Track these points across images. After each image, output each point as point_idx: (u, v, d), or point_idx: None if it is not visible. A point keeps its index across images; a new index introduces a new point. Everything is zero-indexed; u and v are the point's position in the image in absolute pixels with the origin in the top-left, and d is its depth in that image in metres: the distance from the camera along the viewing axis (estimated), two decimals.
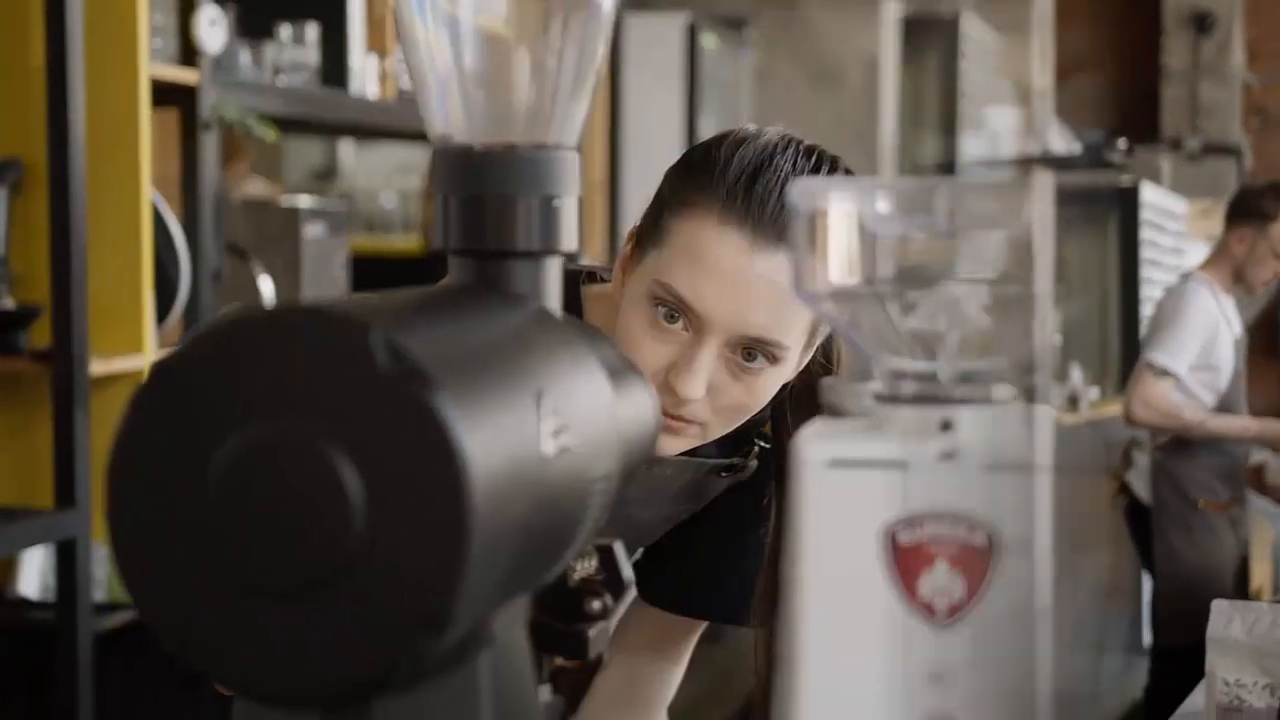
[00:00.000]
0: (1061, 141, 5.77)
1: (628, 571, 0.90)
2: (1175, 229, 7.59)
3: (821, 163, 1.28)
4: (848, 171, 1.30)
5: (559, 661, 0.90)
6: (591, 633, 0.88)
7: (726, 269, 1.22)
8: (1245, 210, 4.41)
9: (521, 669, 0.73)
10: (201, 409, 0.63)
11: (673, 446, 1.29)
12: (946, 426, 0.70)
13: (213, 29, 2.60)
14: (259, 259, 3.06)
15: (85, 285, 2.37)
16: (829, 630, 0.70)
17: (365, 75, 3.19)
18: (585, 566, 0.89)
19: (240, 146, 4.10)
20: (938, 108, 7.32)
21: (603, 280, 1.43)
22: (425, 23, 0.83)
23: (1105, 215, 6.89)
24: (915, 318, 0.73)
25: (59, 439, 2.32)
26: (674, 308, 1.24)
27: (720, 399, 1.26)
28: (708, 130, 5.98)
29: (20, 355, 2.38)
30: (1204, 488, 4.42)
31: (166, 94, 2.62)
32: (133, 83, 2.46)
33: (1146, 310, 7.11)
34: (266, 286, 2.92)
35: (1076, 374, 6.26)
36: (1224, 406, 4.38)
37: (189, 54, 2.64)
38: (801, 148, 1.28)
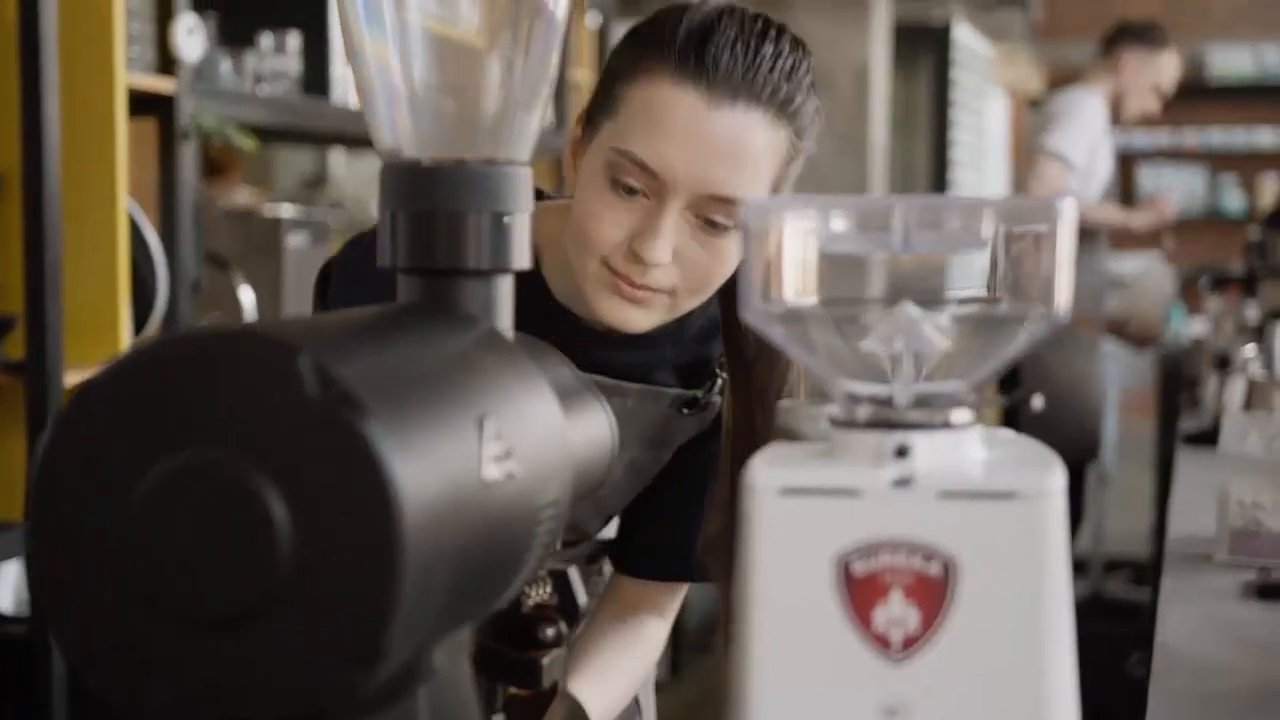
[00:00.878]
0: None
1: (582, 597, 0.88)
2: (981, 72, 7.72)
3: (769, 26, 1.27)
4: (797, 42, 1.28)
5: (512, 690, 0.88)
6: (545, 660, 0.86)
7: (684, 127, 1.22)
8: (1139, 35, 4.53)
9: (465, 701, 0.71)
10: (127, 433, 0.61)
11: (641, 320, 1.28)
12: (902, 452, 0.68)
13: (191, 38, 2.58)
14: (241, 269, 3.04)
15: (60, 296, 2.34)
16: (781, 662, 0.67)
17: (348, 84, 3.17)
18: (539, 592, 0.87)
19: (231, 157, 4.08)
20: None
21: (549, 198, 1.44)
22: (373, 35, 0.81)
23: (916, 53, 6.99)
24: (871, 339, 0.70)
25: (32, 451, 2.29)
26: (633, 175, 1.23)
27: (686, 265, 1.25)
28: None
29: None
30: (1077, 303, 4.46)
31: (144, 103, 2.59)
32: (109, 91, 2.43)
33: (956, 153, 7.25)
34: (247, 297, 2.89)
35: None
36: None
37: (167, 63, 2.62)
38: (748, 12, 1.28)
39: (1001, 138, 9.16)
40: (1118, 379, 5.92)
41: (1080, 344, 4.41)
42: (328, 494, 0.59)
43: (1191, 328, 7.49)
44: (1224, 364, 3.25)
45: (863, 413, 0.70)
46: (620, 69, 1.27)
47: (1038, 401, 0.91)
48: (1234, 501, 1.91)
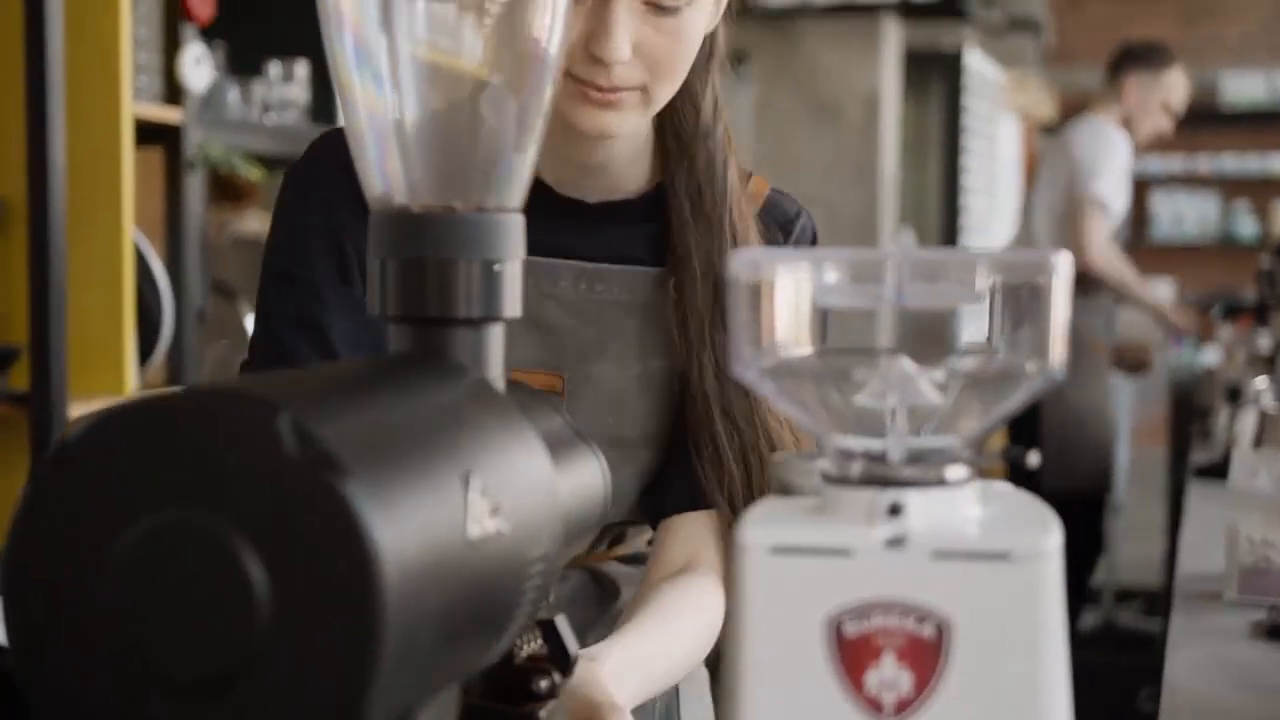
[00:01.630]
0: None
1: (573, 646, 0.86)
2: (992, 98, 7.74)
3: None
4: None
5: None
6: (542, 713, 0.85)
7: None
8: (1141, 58, 4.52)
9: None
10: (105, 491, 0.60)
11: (620, 123, 1.25)
12: (895, 510, 0.66)
13: (198, 68, 2.58)
14: (248, 297, 3.03)
15: (65, 326, 2.34)
16: None
17: None
18: (530, 644, 0.86)
19: (246, 183, 4.08)
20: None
21: None
22: (362, 79, 0.80)
23: (927, 79, 7.00)
24: (865, 394, 0.69)
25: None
26: None
27: (647, 54, 1.22)
28: None
29: None
30: (1092, 329, 4.43)
31: (151, 133, 2.59)
32: (115, 121, 2.43)
33: (967, 180, 7.27)
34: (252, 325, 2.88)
35: (909, 239, 6.27)
36: None
37: (174, 93, 2.62)
38: None
39: (1013, 162, 9.15)
40: (1129, 406, 5.90)
41: (1097, 371, 4.39)
42: (307, 556, 0.58)
43: (1205, 356, 7.49)
44: (1235, 396, 3.23)
45: (856, 469, 0.68)
46: None
47: (1033, 458, 0.89)
48: (1243, 538, 1.90)
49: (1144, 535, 5.94)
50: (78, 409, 2.38)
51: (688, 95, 1.32)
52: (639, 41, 1.21)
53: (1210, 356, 6.92)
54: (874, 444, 0.69)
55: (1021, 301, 0.67)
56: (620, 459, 1.32)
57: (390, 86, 0.80)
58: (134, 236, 2.49)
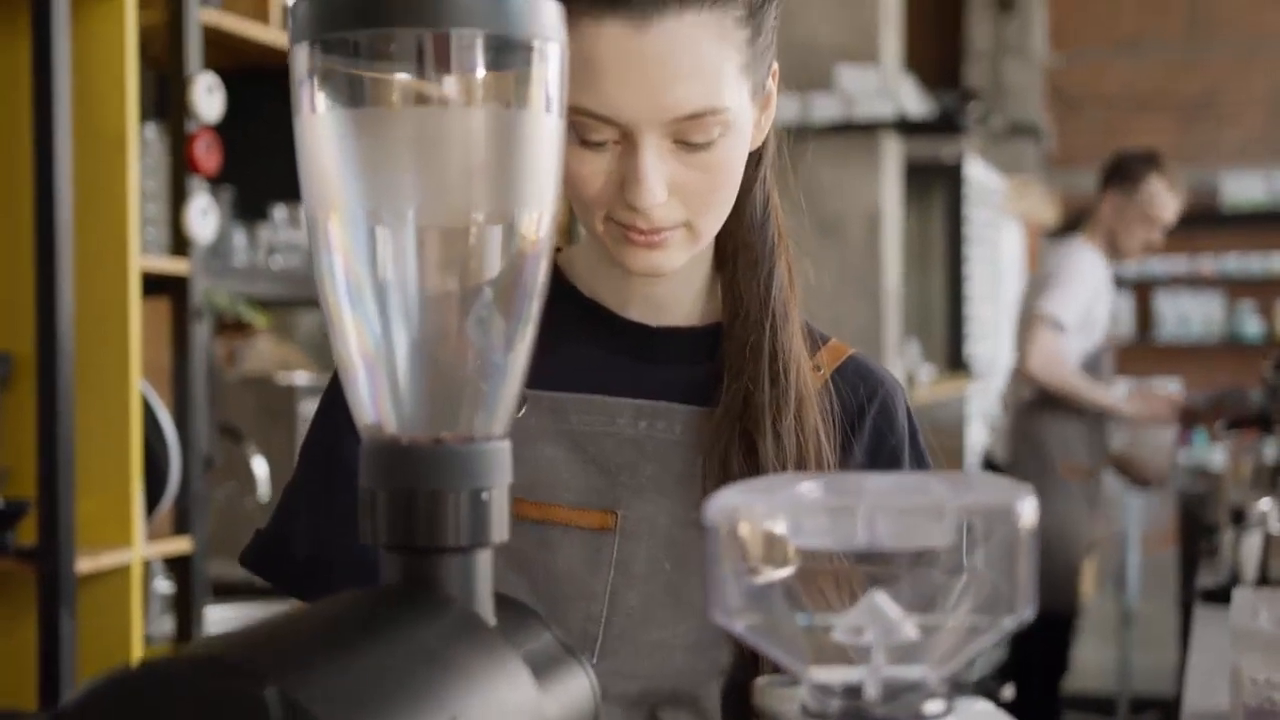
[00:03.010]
0: (915, 103, 5.77)
1: None
2: (994, 205, 7.78)
3: None
4: None
5: None
6: None
7: (617, 61, 1.13)
8: (1114, 174, 4.58)
9: None
10: None
11: (668, 261, 1.20)
12: None
13: (204, 219, 2.62)
14: (256, 437, 3.06)
15: (73, 481, 2.36)
16: None
17: None
18: None
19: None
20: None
21: None
22: (354, 313, 0.83)
23: (929, 189, 7.04)
24: (840, 630, 0.71)
25: (44, 640, 2.30)
26: (593, 129, 1.15)
27: (687, 193, 1.17)
28: None
29: (7, 554, 2.36)
30: (1064, 450, 4.40)
31: (158, 283, 2.63)
32: (123, 275, 2.47)
33: (970, 288, 7.27)
34: (261, 469, 2.91)
35: (914, 349, 6.24)
36: (1089, 367, 4.47)
37: (181, 243, 2.66)
38: None
39: (1017, 267, 9.22)
40: (1138, 514, 5.90)
41: (1063, 493, 4.39)
42: None
43: (1213, 455, 7.47)
44: (1240, 518, 3.23)
45: (833, 706, 0.70)
46: None
47: (1008, 692, 0.91)
48: (1247, 679, 1.89)
49: (1160, 643, 5.91)
50: (86, 563, 2.39)
51: (738, 217, 1.27)
52: (674, 181, 1.17)
53: (1219, 457, 6.93)
54: (852, 673, 0.71)
55: (991, 542, 0.69)
56: (675, 616, 1.24)
57: (379, 321, 0.82)
58: (141, 387, 2.52)
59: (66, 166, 2.37)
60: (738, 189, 1.22)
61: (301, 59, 0.79)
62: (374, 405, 0.83)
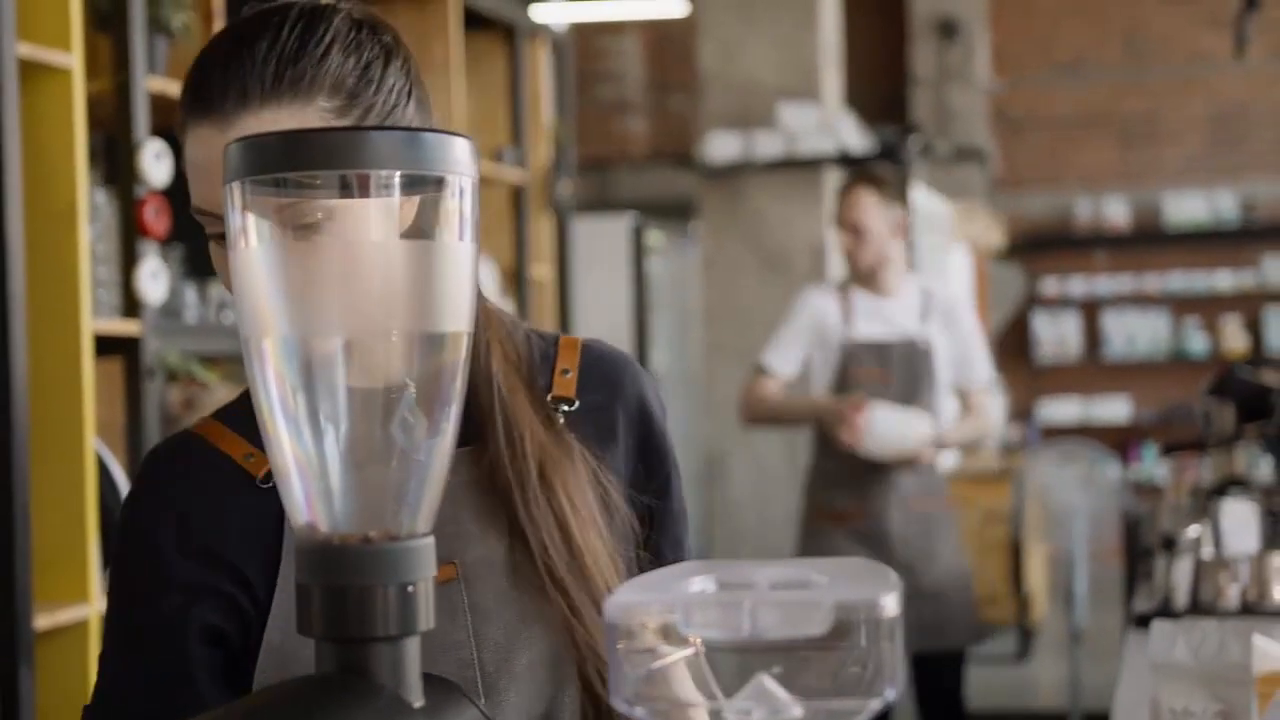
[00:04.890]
0: (856, 138, 5.80)
1: None
2: (941, 230, 7.90)
3: (267, 19, 1.22)
4: (303, 12, 1.22)
5: None
6: None
7: (210, 160, 1.18)
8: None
9: None
10: None
11: None
12: None
13: (154, 281, 2.69)
14: None
15: (29, 539, 2.42)
16: None
17: None
18: None
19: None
20: None
21: None
22: (288, 429, 0.90)
23: None
24: (730, 712, 0.79)
25: (3, 697, 2.35)
26: (212, 224, 1.20)
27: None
28: (658, 323, 6.15)
29: None
30: (822, 498, 4.17)
31: (110, 344, 2.70)
32: (75, 337, 2.53)
33: None
34: None
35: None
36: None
37: (132, 304, 2.72)
38: (246, 19, 1.23)
39: (966, 290, 9.34)
40: (1083, 529, 6.00)
41: (939, 531, 4.23)
42: None
43: (1158, 471, 7.59)
44: (1170, 544, 3.33)
45: None
46: (177, 132, 1.25)
47: None
48: (1166, 710, 1.97)
49: (1112, 657, 6.01)
50: (43, 620, 2.45)
51: None
52: None
53: (1163, 472, 7.05)
54: None
55: (860, 631, 0.77)
56: (534, 634, 1.30)
57: (310, 430, 0.90)
58: (95, 446, 2.58)
59: (18, 233, 2.43)
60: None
61: (235, 197, 0.87)
62: (307, 507, 0.90)
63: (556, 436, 1.31)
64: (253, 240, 0.88)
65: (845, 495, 4.14)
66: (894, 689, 0.77)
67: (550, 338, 1.38)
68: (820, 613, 0.77)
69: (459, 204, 0.89)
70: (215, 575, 1.26)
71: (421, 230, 0.89)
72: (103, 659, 1.30)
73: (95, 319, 2.60)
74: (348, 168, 0.86)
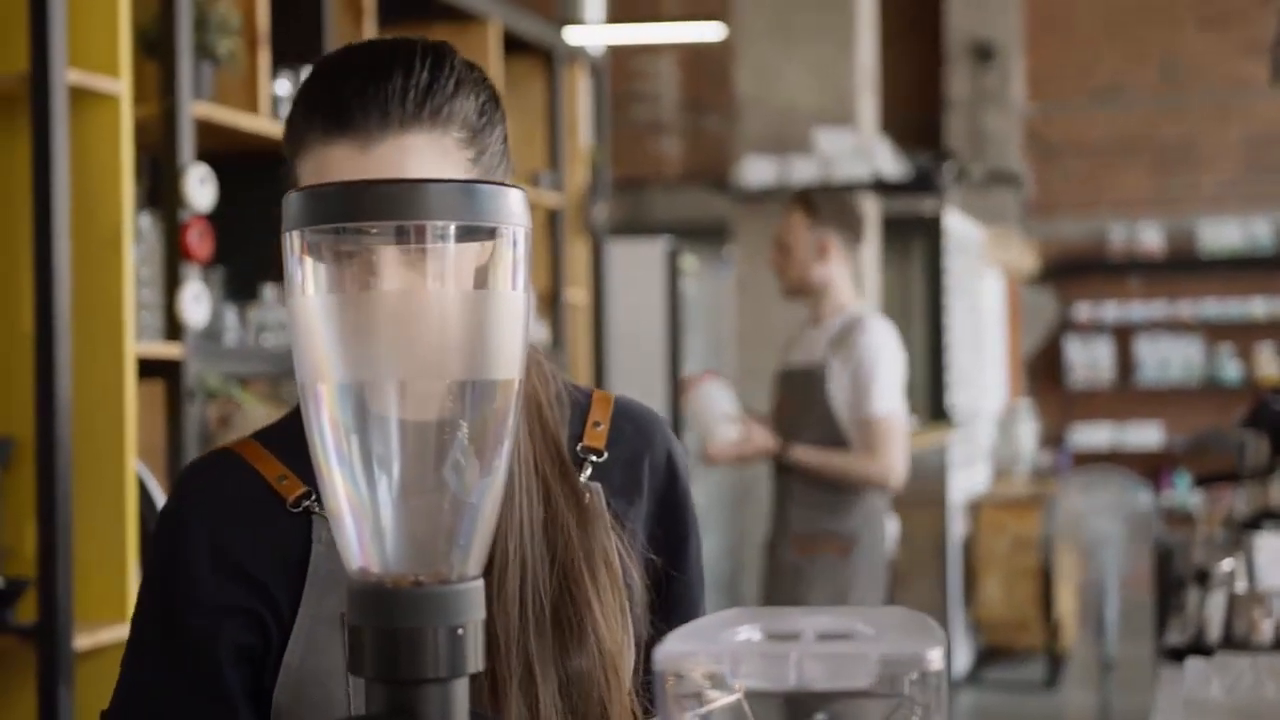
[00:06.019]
0: (891, 164, 5.78)
1: None
2: (974, 255, 7.88)
3: (395, 50, 1.25)
4: (428, 50, 1.25)
5: None
6: None
7: (343, 177, 1.20)
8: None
9: None
10: None
11: None
12: None
13: (197, 304, 2.72)
14: None
15: (71, 560, 2.45)
16: None
17: None
18: None
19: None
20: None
21: None
22: (342, 472, 0.92)
23: (908, 243, 7.14)
24: None
25: (43, 716, 2.38)
26: None
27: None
28: (692, 346, 6.16)
29: (7, 631, 2.45)
30: (793, 529, 3.97)
31: (152, 367, 2.73)
32: (119, 361, 2.56)
33: (951, 338, 7.35)
34: None
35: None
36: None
37: (174, 327, 2.75)
38: (373, 44, 1.26)
39: (998, 314, 9.34)
40: (1116, 559, 5.99)
41: (809, 581, 3.99)
42: None
43: (1191, 499, 7.53)
44: (1204, 578, 3.32)
45: None
46: (290, 152, 1.26)
47: None
48: None
49: (1142, 686, 5.99)
50: (84, 640, 2.48)
51: None
52: None
53: (1197, 500, 7.02)
54: None
55: (905, 683, 0.78)
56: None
57: (364, 475, 0.91)
58: (136, 468, 2.61)
59: (65, 258, 2.46)
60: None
61: (294, 245, 0.89)
62: (360, 551, 0.92)
63: (571, 488, 1.32)
64: (310, 289, 0.90)
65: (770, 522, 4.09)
66: None
67: (584, 391, 1.40)
68: (866, 665, 0.79)
69: (513, 254, 0.91)
70: (245, 594, 1.28)
71: (476, 279, 0.91)
72: (126, 667, 1.31)
73: (138, 342, 2.63)
74: (405, 218, 0.88)
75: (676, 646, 0.81)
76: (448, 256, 0.88)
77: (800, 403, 3.99)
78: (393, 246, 0.90)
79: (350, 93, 1.22)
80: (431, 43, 1.27)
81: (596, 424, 1.37)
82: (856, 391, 3.91)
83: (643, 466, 1.38)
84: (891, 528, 4.16)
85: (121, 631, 2.58)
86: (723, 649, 0.80)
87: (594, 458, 1.34)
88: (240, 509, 1.31)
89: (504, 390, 0.91)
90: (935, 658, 0.78)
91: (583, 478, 1.33)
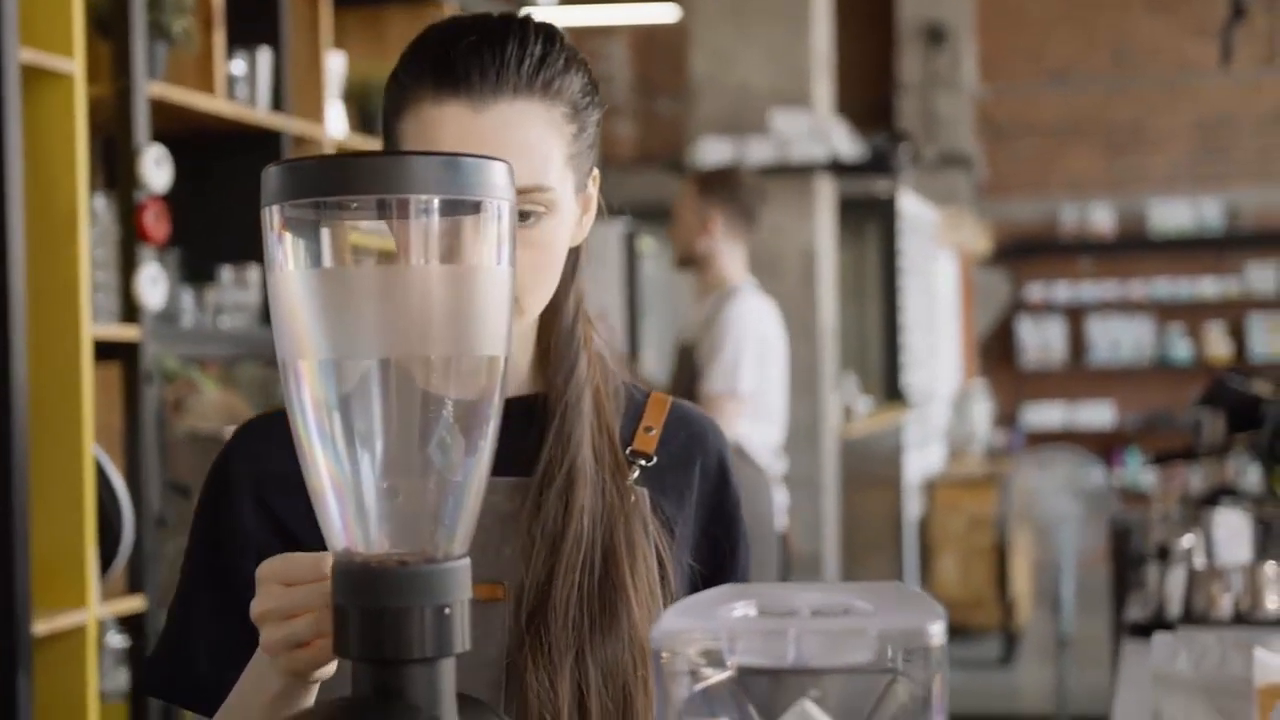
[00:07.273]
0: (847, 145, 5.80)
1: None
2: (928, 236, 7.92)
3: (509, 21, 1.27)
4: (539, 28, 1.28)
5: None
6: None
7: (456, 139, 1.21)
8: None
9: None
10: None
11: None
12: None
13: (153, 286, 2.68)
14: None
15: (28, 544, 2.41)
16: None
17: None
18: None
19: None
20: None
21: None
22: (323, 447, 0.90)
23: (863, 224, 7.18)
24: None
25: (2, 702, 2.35)
26: None
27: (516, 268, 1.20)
28: (650, 328, 6.15)
29: None
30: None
31: (109, 350, 2.69)
32: (75, 343, 2.52)
33: (905, 319, 7.40)
34: None
35: (852, 383, 6.36)
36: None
37: (131, 309, 2.72)
38: (485, 16, 1.28)
39: (952, 295, 9.37)
40: (1072, 537, 6.02)
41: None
42: None
43: (1145, 477, 7.59)
44: (1164, 553, 3.34)
45: None
46: (391, 111, 1.27)
47: None
48: None
49: (1098, 662, 6.04)
50: (42, 626, 2.44)
51: (556, 308, 1.32)
52: None
53: (1150, 478, 7.06)
54: None
55: (904, 659, 0.77)
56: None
57: (347, 453, 0.90)
58: (94, 451, 2.57)
59: (19, 240, 2.42)
60: (560, 273, 1.29)
61: (273, 220, 0.87)
62: (344, 531, 0.91)
63: (619, 485, 1.31)
64: (290, 263, 0.88)
65: None
66: (942, 717, 0.78)
67: (641, 392, 1.40)
68: (865, 640, 0.78)
69: (497, 228, 0.89)
70: (282, 548, 1.28)
71: (459, 254, 0.89)
72: (176, 604, 1.33)
73: (95, 324, 2.60)
74: (387, 192, 0.87)
75: (673, 623, 0.80)
76: (431, 231, 0.87)
77: (680, 377, 4.03)
78: (372, 221, 0.88)
79: (466, 52, 1.23)
80: (544, 22, 1.29)
81: (649, 429, 1.37)
82: (705, 365, 3.94)
83: (693, 472, 1.37)
84: (779, 498, 4.12)
85: (80, 617, 2.55)
86: (720, 625, 0.79)
87: (642, 462, 1.34)
88: (287, 467, 1.29)
89: (490, 366, 0.90)
90: (936, 632, 0.77)
91: (630, 480, 1.32)
